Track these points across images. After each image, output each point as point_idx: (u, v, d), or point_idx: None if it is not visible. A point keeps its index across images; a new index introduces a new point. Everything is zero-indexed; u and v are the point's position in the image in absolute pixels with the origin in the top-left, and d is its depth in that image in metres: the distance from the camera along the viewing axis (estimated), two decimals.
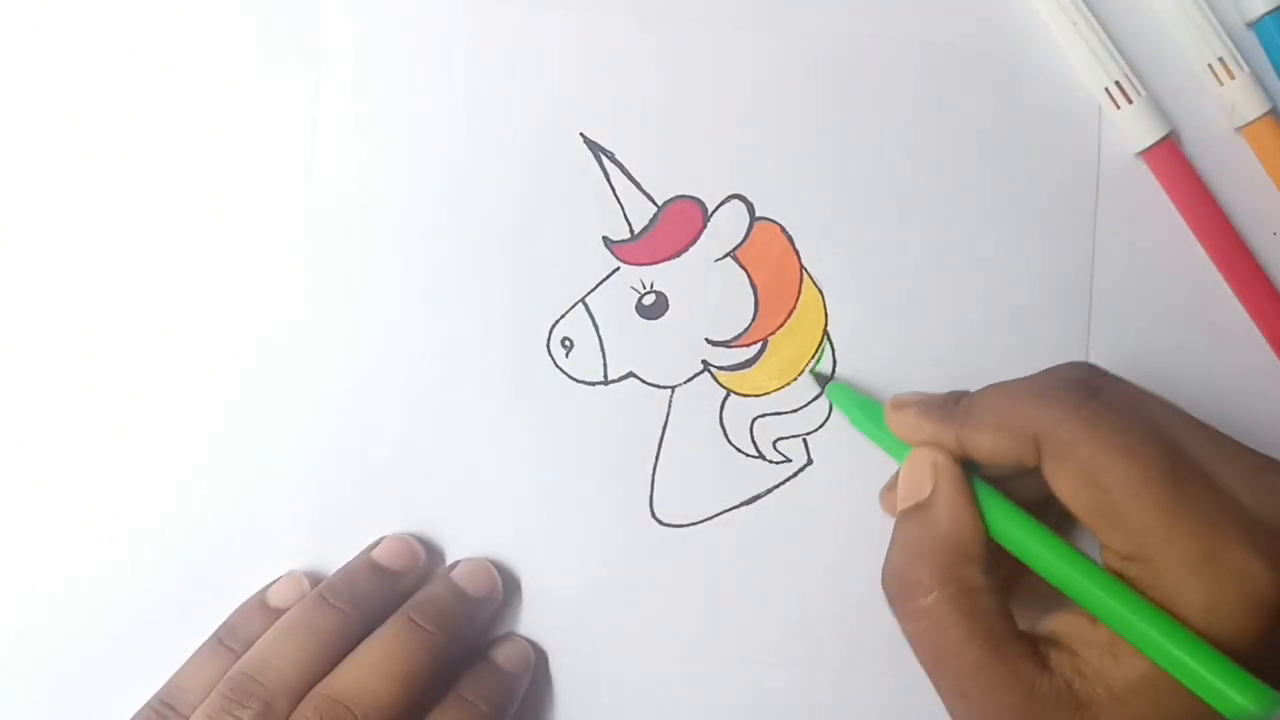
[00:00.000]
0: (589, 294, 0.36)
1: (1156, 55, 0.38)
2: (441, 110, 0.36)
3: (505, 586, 0.36)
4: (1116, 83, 0.37)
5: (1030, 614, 0.29)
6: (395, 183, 0.36)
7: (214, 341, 0.36)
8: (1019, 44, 0.37)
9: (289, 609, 0.33)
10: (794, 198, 0.37)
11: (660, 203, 0.37)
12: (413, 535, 0.36)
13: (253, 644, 0.33)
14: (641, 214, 0.37)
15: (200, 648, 0.34)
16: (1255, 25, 0.37)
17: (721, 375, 0.37)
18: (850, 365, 0.37)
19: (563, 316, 0.36)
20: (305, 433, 0.36)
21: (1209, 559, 0.26)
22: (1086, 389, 0.28)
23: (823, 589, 0.36)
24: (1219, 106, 0.37)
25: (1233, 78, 0.37)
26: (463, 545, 0.36)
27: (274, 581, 0.35)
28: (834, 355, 0.37)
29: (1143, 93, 0.37)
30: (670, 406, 0.37)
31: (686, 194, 0.37)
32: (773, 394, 0.37)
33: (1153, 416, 0.28)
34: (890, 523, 0.32)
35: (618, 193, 0.37)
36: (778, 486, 0.37)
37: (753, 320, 0.37)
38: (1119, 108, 0.37)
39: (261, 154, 0.36)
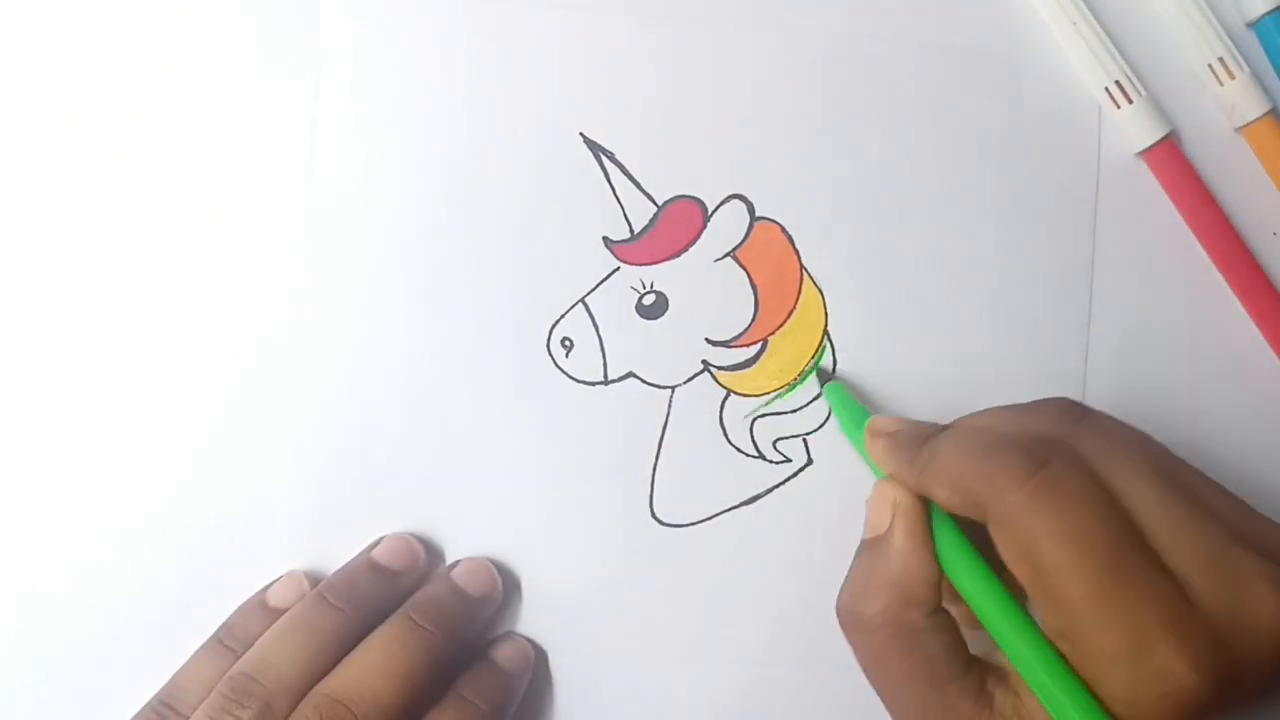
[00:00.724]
0: (589, 294, 0.36)
1: (1156, 55, 0.38)
2: (441, 110, 0.36)
3: (505, 586, 0.36)
4: (1116, 83, 0.37)
5: (990, 640, 0.29)
6: (395, 183, 0.36)
7: (214, 341, 0.36)
8: (1019, 44, 0.37)
9: (289, 609, 0.33)
10: (794, 198, 0.37)
11: (660, 203, 0.37)
12: (413, 535, 0.36)
13: (253, 644, 0.33)
14: (641, 214, 0.37)
15: (200, 648, 0.34)
16: (1255, 25, 0.37)
17: (721, 375, 0.37)
18: (850, 365, 0.37)
19: (563, 316, 0.36)
20: (305, 433, 0.36)
21: (1133, 654, 0.25)
22: (1035, 460, 0.27)
23: (823, 589, 0.36)
24: (1219, 106, 0.37)
25: (1233, 78, 0.37)
26: (463, 545, 0.36)
27: (274, 581, 0.35)
28: (834, 355, 0.37)
29: (1143, 93, 0.37)
30: (670, 406, 0.37)
31: (686, 194, 0.37)
32: (772, 394, 0.37)
33: (1114, 482, 0.27)
34: None
35: (618, 193, 0.37)
36: (778, 486, 0.37)
37: (753, 320, 0.37)
38: (1119, 108, 0.37)
39: (261, 154, 0.36)
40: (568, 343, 0.36)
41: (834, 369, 0.37)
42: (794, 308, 0.37)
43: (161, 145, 0.36)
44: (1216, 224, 0.37)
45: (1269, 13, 0.37)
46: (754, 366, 0.37)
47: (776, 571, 0.36)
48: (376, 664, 0.31)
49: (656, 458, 0.37)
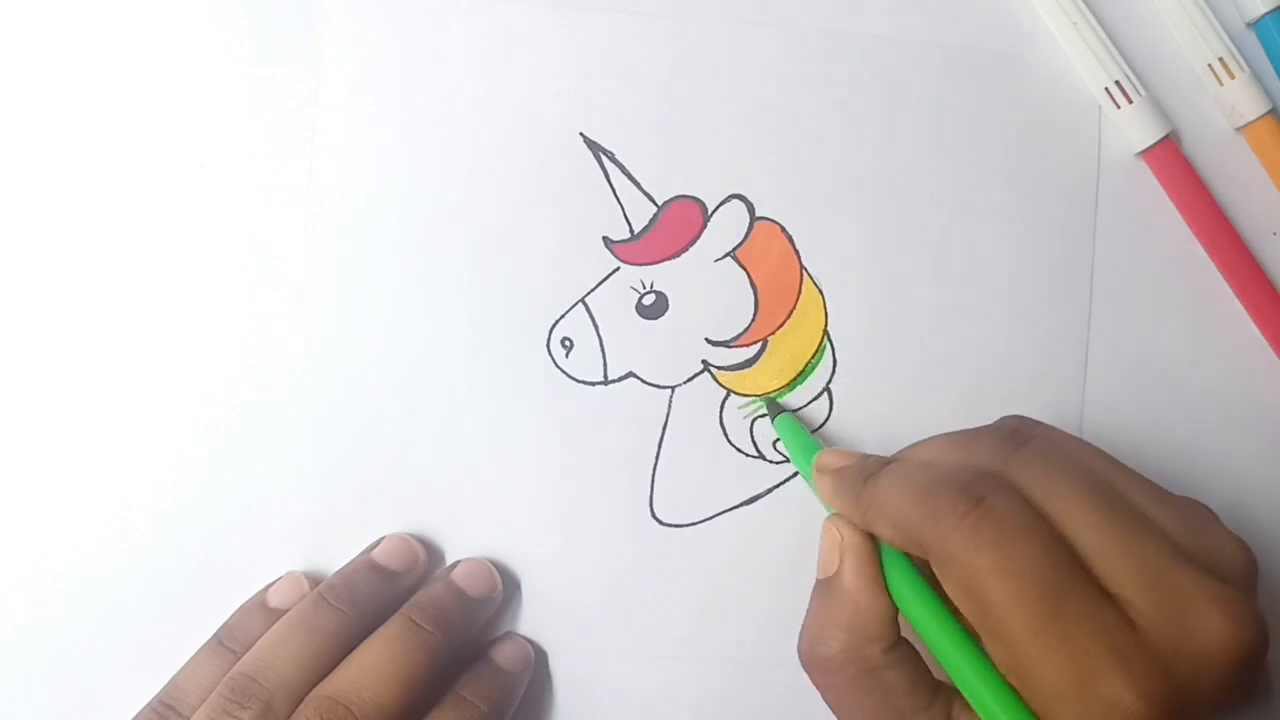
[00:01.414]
0: (589, 294, 0.36)
1: (1156, 55, 0.38)
2: (441, 110, 0.36)
3: (505, 586, 0.36)
4: (1116, 83, 0.37)
5: None
6: (395, 183, 0.36)
7: (214, 342, 0.36)
8: (1019, 44, 0.37)
9: (289, 610, 0.33)
10: (794, 198, 0.37)
11: (660, 203, 0.37)
12: (413, 535, 0.36)
13: (253, 645, 0.33)
14: (641, 214, 0.37)
15: (200, 649, 0.34)
16: (1255, 25, 0.37)
17: (721, 375, 0.37)
18: (850, 365, 0.37)
19: (563, 316, 0.36)
20: (305, 433, 0.36)
21: (1079, 687, 0.25)
22: (972, 497, 0.27)
23: None
24: (1219, 106, 0.37)
25: (1233, 78, 0.37)
26: (463, 545, 0.36)
27: (274, 582, 0.35)
28: (834, 355, 0.37)
29: (1143, 93, 0.37)
30: (670, 406, 0.37)
31: (686, 194, 0.37)
32: (772, 394, 0.37)
33: (1052, 510, 0.27)
34: None
35: (618, 193, 0.37)
36: (778, 486, 0.37)
37: (753, 320, 0.37)
38: (1119, 108, 0.37)
39: (262, 155, 0.36)
40: (568, 343, 0.36)
41: (834, 369, 0.37)
42: (794, 308, 0.37)
43: (162, 146, 0.36)
44: (1216, 224, 0.37)
45: (1269, 13, 0.37)
46: (754, 366, 0.37)
47: (776, 571, 0.36)
48: (377, 665, 0.31)
49: (656, 458, 0.37)
